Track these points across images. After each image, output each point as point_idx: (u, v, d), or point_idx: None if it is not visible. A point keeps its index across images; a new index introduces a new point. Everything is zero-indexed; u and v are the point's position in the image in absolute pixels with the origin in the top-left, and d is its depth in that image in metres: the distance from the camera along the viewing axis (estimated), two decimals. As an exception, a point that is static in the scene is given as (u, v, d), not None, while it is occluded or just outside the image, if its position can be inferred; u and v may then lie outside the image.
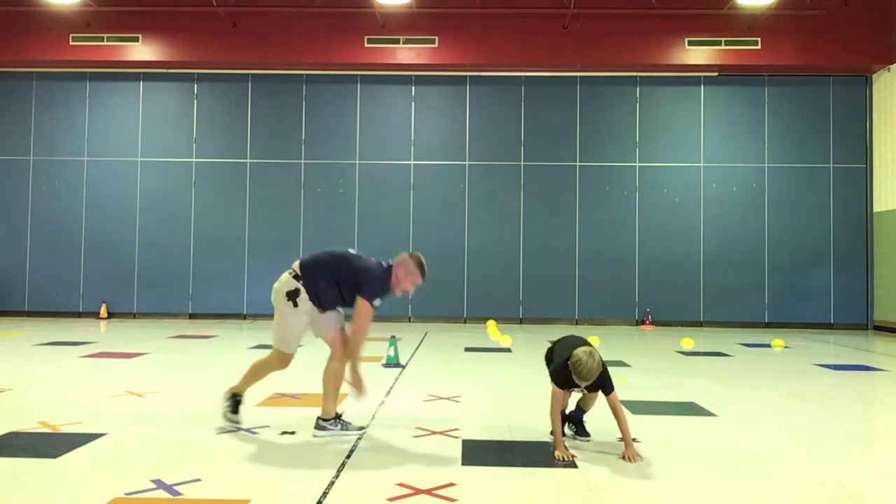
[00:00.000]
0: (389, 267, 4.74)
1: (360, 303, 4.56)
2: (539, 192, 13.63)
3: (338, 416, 4.70)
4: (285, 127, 13.81)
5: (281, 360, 4.78)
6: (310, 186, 13.68)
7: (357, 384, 4.62)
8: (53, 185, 13.94)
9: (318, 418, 4.66)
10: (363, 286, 4.57)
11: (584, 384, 4.18)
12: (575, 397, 4.65)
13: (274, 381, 6.56)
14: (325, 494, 3.46)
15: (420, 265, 4.74)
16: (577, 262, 13.44)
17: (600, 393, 4.33)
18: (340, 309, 4.80)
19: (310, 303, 4.61)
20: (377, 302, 4.63)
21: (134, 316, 13.73)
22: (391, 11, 12.88)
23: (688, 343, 10.16)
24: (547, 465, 4.04)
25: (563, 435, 4.41)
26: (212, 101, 14.00)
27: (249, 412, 5.29)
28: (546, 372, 4.49)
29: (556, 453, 4.13)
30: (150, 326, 12.25)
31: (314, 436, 4.59)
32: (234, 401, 4.84)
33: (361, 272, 4.62)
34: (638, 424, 5.03)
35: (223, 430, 4.71)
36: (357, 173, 13.49)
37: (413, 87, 13.88)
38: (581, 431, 4.60)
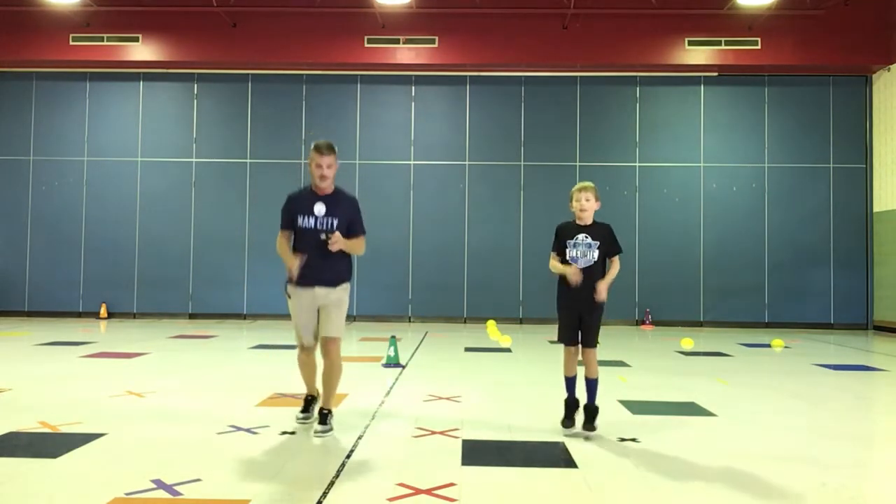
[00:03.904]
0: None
1: None
2: (539, 192, 13.63)
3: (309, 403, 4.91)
4: (285, 127, 13.81)
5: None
6: (310, 186, 13.67)
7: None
8: (53, 185, 13.93)
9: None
10: None
11: (585, 193, 4.67)
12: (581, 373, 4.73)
13: (274, 382, 6.58)
14: (325, 494, 3.46)
15: (315, 146, 4.77)
16: (577, 262, 13.43)
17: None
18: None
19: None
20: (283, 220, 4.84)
21: (134, 316, 13.73)
22: (391, 11, 12.88)
23: (688, 343, 10.16)
24: (547, 465, 4.04)
25: (573, 423, 4.66)
26: (212, 101, 14.00)
27: (249, 412, 5.30)
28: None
29: (571, 277, 4.57)
30: (150, 326, 12.25)
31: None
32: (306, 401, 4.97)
33: None
34: (638, 424, 5.04)
35: (223, 431, 4.71)
36: (357, 173, 13.47)
37: (413, 87, 13.88)
38: (589, 425, 4.64)
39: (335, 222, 4.69)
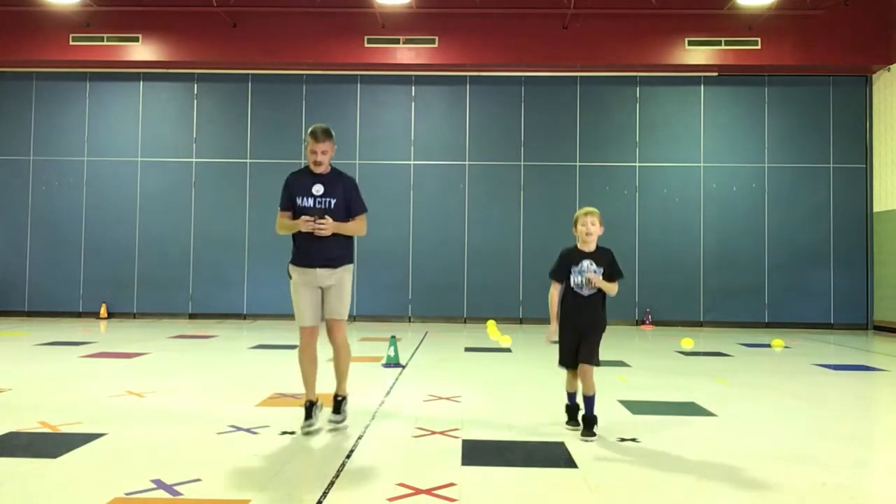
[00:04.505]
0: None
1: None
2: (539, 192, 13.63)
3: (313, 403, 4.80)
4: (285, 127, 13.81)
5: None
6: (310, 186, 13.68)
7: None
8: (53, 185, 13.94)
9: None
10: None
11: (591, 218, 4.68)
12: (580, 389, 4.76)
13: (274, 382, 6.58)
14: (325, 494, 3.46)
15: (311, 131, 4.79)
16: (577, 262, 13.44)
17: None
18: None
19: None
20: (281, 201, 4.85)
21: (134, 316, 13.74)
22: (391, 11, 12.88)
23: (688, 343, 10.16)
24: (547, 465, 4.04)
25: (577, 422, 4.73)
26: (212, 101, 14.00)
27: (249, 412, 5.30)
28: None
29: (550, 330, 4.73)
30: (150, 326, 12.24)
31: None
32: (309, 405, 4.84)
33: None
34: (638, 424, 5.04)
35: (223, 431, 4.71)
36: (357, 173, 13.47)
37: (413, 87, 13.88)
38: (588, 432, 4.62)
39: (332, 202, 4.71)
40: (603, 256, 4.73)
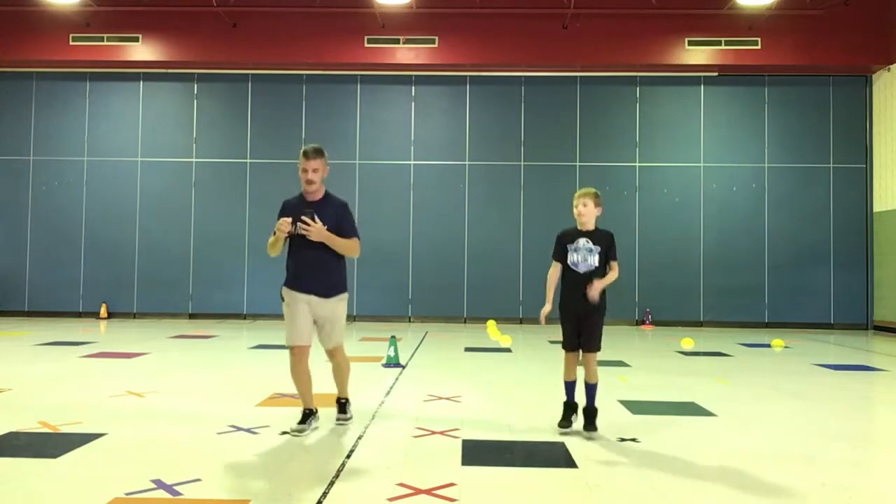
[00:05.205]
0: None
1: None
2: (539, 192, 13.63)
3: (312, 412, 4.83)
4: (285, 127, 13.81)
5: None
6: (310, 186, 13.67)
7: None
8: (53, 185, 13.93)
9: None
10: None
11: (583, 199, 4.73)
12: (581, 374, 4.80)
13: (274, 382, 6.58)
14: (325, 494, 3.46)
15: (302, 151, 4.79)
16: (577, 262, 13.44)
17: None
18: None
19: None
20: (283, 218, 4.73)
21: (134, 316, 13.73)
22: (391, 11, 12.88)
23: (688, 343, 10.16)
24: (547, 465, 4.04)
25: (570, 424, 4.75)
26: (212, 101, 14.00)
27: (249, 412, 5.30)
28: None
29: (543, 310, 4.76)
30: (150, 326, 12.24)
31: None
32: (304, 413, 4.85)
33: None
34: (638, 424, 5.04)
35: (223, 431, 4.71)
36: (357, 173, 13.47)
37: (413, 87, 13.88)
38: (589, 426, 4.66)
39: (325, 228, 4.70)
40: (601, 237, 4.77)
